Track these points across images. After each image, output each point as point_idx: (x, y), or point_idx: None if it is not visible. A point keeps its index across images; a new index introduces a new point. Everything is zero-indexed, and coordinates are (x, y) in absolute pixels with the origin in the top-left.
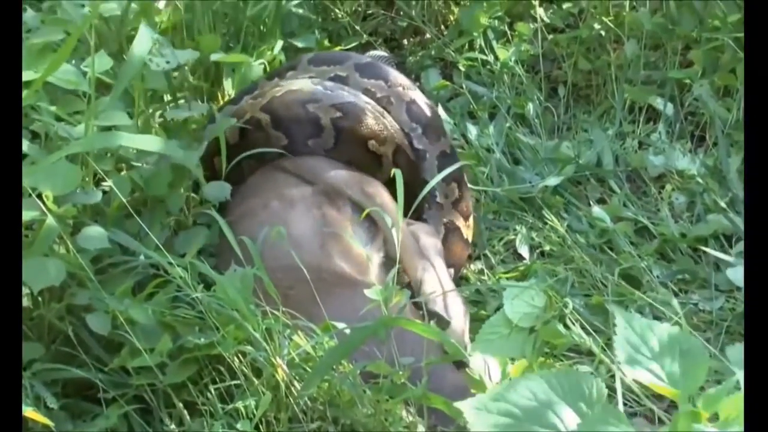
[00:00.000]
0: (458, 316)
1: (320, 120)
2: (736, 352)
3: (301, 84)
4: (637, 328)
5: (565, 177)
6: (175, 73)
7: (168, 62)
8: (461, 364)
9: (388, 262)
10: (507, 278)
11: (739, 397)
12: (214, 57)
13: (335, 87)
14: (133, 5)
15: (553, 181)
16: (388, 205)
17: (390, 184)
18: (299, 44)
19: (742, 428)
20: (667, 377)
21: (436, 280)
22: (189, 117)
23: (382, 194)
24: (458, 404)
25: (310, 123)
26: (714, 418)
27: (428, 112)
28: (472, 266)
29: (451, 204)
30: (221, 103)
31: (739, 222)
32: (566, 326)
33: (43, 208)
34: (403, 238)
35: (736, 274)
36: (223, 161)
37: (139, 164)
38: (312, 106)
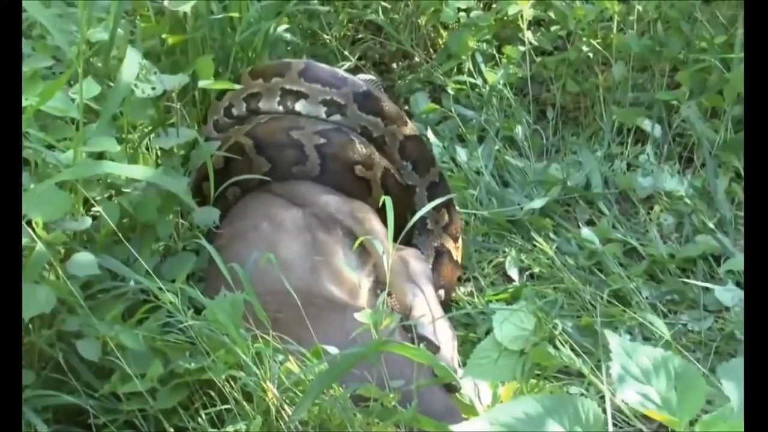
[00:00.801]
0: (447, 341)
1: (304, 147)
2: (728, 370)
3: (287, 115)
4: (632, 354)
5: (550, 198)
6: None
7: (154, 88)
8: (452, 389)
9: (378, 286)
10: (496, 300)
11: (737, 422)
12: (201, 84)
13: (320, 118)
14: (120, 30)
15: (538, 203)
16: (378, 230)
17: (381, 209)
18: None
19: None
20: (663, 403)
21: (425, 305)
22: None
23: (372, 219)
24: (454, 427)
25: (293, 149)
26: None
27: (419, 147)
28: (462, 289)
29: (442, 228)
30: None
31: (728, 242)
32: (556, 348)
33: (33, 235)
34: (393, 263)
35: (725, 295)
36: (211, 186)
37: (128, 190)
38: (295, 132)
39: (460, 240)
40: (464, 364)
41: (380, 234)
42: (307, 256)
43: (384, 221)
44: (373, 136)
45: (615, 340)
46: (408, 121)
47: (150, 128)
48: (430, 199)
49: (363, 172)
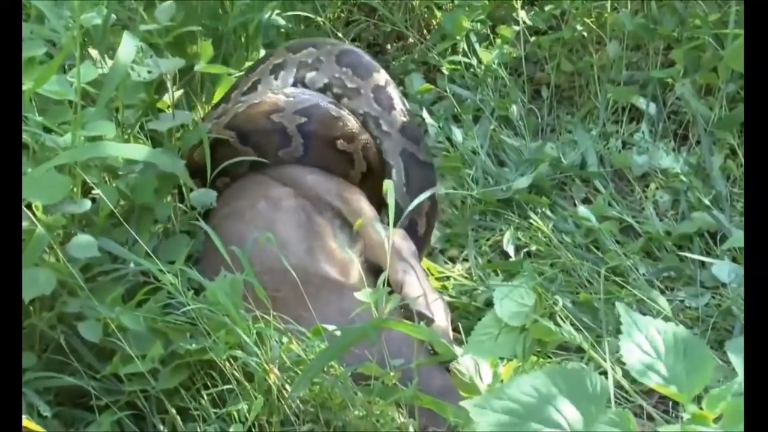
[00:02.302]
0: (440, 313)
1: (287, 129)
2: (736, 345)
3: (261, 96)
4: (641, 326)
5: (538, 175)
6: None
7: (150, 72)
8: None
9: (368, 265)
10: (492, 271)
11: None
12: (198, 67)
13: (296, 93)
14: (114, 16)
15: (524, 181)
16: (366, 210)
17: (363, 180)
18: None
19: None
20: (671, 377)
21: (416, 281)
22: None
23: (360, 200)
24: (462, 403)
25: (277, 133)
26: (719, 418)
27: (393, 93)
28: (459, 266)
29: None
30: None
31: (723, 219)
32: (557, 324)
33: (33, 218)
34: (382, 242)
35: (721, 271)
36: (207, 166)
37: (125, 173)
38: (276, 116)
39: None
40: (466, 335)
41: (368, 214)
42: (303, 236)
43: (368, 195)
44: (348, 86)
45: (625, 313)
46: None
47: (141, 112)
48: (403, 133)
49: (345, 146)
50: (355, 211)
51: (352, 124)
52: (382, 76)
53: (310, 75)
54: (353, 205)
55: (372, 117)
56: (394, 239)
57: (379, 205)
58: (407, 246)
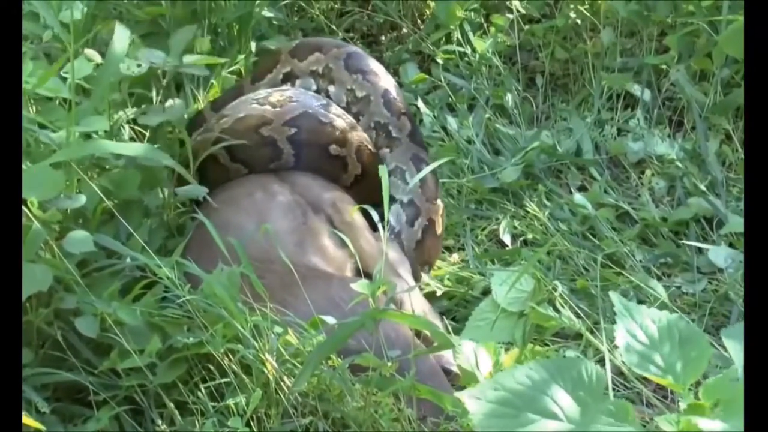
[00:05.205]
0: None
1: (276, 141)
2: (732, 333)
3: (246, 109)
4: (636, 316)
5: (530, 164)
6: None
7: (139, 65)
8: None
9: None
10: (489, 261)
11: (740, 386)
12: (187, 59)
13: (283, 100)
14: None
15: (512, 174)
16: (357, 220)
17: (355, 183)
18: (272, 46)
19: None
20: (667, 368)
21: (408, 300)
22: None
23: (354, 211)
24: (458, 394)
25: (267, 147)
26: (717, 405)
27: (400, 97)
28: (456, 255)
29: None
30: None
31: (719, 204)
32: (556, 310)
33: (29, 214)
34: (376, 253)
35: (718, 256)
36: (191, 164)
37: (111, 168)
38: (265, 129)
39: (439, 202)
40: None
41: (359, 224)
42: (295, 230)
43: (362, 197)
44: (357, 95)
45: (620, 302)
46: (387, 74)
47: (132, 106)
48: (413, 139)
49: (338, 150)
50: (345, 221)
51: (344, 126)
52: (390, 81)
53: (331, 90)
54: (344, 216)
55: (381, 125)
56: (387, 251)
57: (374, 205)
58: (399, 258)
